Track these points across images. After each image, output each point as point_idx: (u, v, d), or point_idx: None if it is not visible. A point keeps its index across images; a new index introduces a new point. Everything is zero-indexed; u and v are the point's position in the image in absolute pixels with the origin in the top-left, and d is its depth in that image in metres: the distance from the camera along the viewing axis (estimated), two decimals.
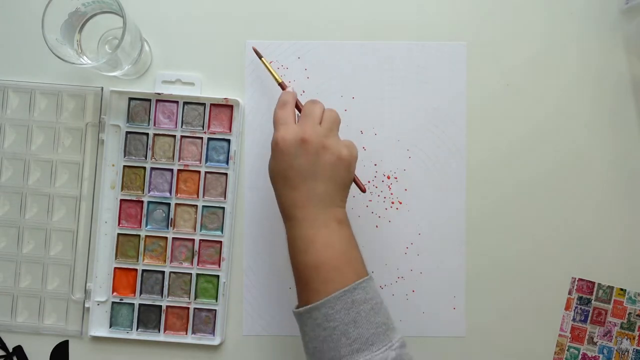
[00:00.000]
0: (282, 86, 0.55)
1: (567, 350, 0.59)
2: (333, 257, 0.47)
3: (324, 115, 0.51)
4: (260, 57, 0.57)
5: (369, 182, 0.60)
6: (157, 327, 0.59)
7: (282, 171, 0.49)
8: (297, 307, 0.48)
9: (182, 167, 0.59)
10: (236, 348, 0.59)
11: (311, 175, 0.48)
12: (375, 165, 0.60)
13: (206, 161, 0.59)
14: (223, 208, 0.59)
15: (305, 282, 0.47)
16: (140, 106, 0.59)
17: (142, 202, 0.59)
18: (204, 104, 0.60)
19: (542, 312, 0.59)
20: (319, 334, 0.46)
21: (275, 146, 0.49)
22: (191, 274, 0.59)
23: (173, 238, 0.59)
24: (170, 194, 0.59)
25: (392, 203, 0.59)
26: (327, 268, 0.46)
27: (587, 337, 0.59)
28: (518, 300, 0.59)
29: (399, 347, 0.45)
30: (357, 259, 0.49)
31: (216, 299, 0.59)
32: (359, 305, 0.45)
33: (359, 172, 0.59)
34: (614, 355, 0.59)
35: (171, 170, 0.59)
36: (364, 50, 0.60)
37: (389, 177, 0.60)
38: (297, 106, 0.54)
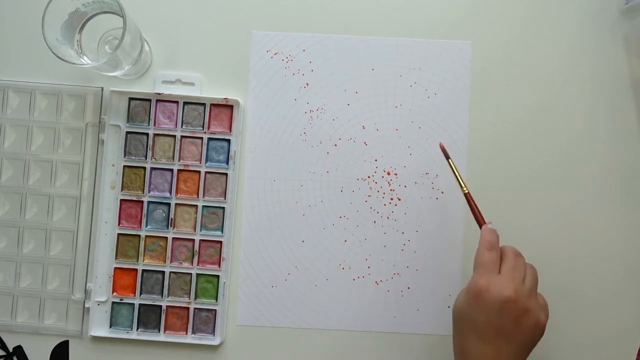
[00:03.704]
0: (468, 198, 0.52)
1: None
2: None
3: (527, 272, 0.49)
4: (447, 157, 0.54)
5: (369, 177, 0.60)
6: (157, 327, 0.59)
7: (476, 322, 0.47)
8: None
9: (182, 167, 0.59)
10: (236, 347, 0.59)
11: (506, 335, 0.46)
12: (376, 160, 0.60)
13: (206, 161, 0.59)
14: (223, 208, 0.59)
15: None
16: (140, 106, 0.60)
17: (142, 202, 0.59)
18: (204, 104, 0.60)
19: None
20: None
21: (477, 295, 0.47)
22: (191, 274, 0.59)
23: (173, 238, 0.59)
24: (170, 194, 0.59)
25: (392, 199, 0.59)
26: None
27: None
28: None
29: None
30: None
31: (216, 299, 0.59)
32: None
33: (360, 167, 0.60)
34: None
35: (171, 170, 0.59)
36: (369, 45, 0.60)
37: (389, 173, 0.60)
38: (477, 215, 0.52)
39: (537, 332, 0.48)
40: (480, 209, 0.52)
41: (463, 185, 0.53)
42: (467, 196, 0.53)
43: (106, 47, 0.58)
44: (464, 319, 0.48)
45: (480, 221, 0.52)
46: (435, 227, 0.59)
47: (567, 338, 0.59)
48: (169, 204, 0.59)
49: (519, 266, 0.49)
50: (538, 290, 0.50)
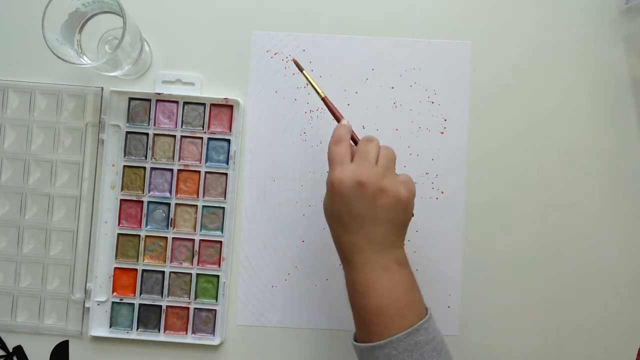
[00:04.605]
0: (326, 102, 0.53)
1: None
2: (395, 301, 0.46)
3: (380, 154, 0.48)
4: (301, 70, 0.54)
5: None
6: (157, 327, 0.59)
7: (338, 214, 0.47)
8: (357, 341, 0.48)
9: (182, 167, 0.59)
10: (236, 347, 0.59)
11: (369, 219, 0.46)
12: None
13: (206, 161, 0.59)
14: (223, 208, 0.59)
15: (366, 324, 0.47)
16: (140, 106, 0.60)
17: (142, 202, 0.59)
18: (204, 104, 0.60)
19: (539, 314, 0.59)
20: None
21: (331, 187, 0.47)
22: (191, 274, 0.59)
23: (173, 238, 0.59)
24: (170, 194, 0.59)
25: None
26: (389, 312, 0.46)
27: None
28: (514, 302, 0.59)
29: None
30: (418, 299, 0.48)
31: (216, 299, 0.59)
32: (422, 347, 0.45)
33: None
34: None
35: (171, 170, 0.59)
36: (369, 45, 0.60)
37: None
38: (352, 137, 0.51)
39: (400, 207, 0.47)
40: (339, 111, 0.53)
41: (320, 91, 0.53)
42: (325, 100, 0.53)
43: (106, 47, 0.58)
44: (330, 216, 0.49)
45: (339, 120, 0.52)
46: (435, 227, 0.59)
47: (568, 338, 0.59)
48: (169, 204, 0.59)
49: (370, 150, 0.48)
50: None
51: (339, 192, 0.47)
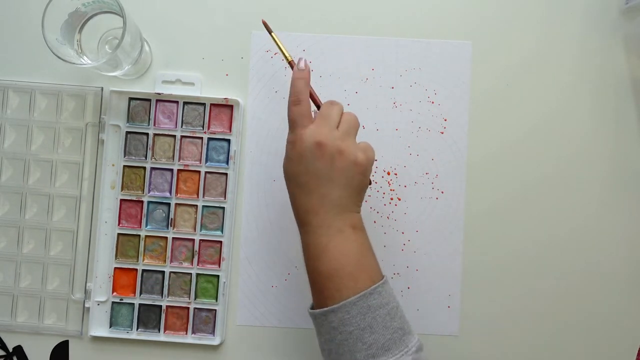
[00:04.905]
0: (292, 66, 0.52)
1: None
2: (347, 264, 0.46)
3: (342, 119, 0.49)
4: (270, 31, 0.54)
5: None
6: (157, 327, 0.59)
7: (296, 175, 0.48)
8: (312, 308, 0.48)
9: (182, 167, 0.59)
10: (236, 347, 0.59)
11: (326, 180, 0.47)
12: (376, 160, 0.59)
13: (206, 161, 0.59)
14: (223, 208, 0.59)
15: (320, 288, 0.47)
16: (140, 106, 0.60)
17: (142, 202, 0.59)
18: (204, 104, 0.60)
19: (539, 314, 0.59)
20: (335, 336, 0.46)
21: (291, 148, 0.48)
22: (191, 274, 0.59)
23: (173, 238, 0.59)
24: (170, 194, 0.59)
25: (391, 199, 0.59)
26: (341, 275, 0.46)
27: None
28: (514, 302, 0.59)
29: (415, 351, 0.45)
30: (372, 264, 0.48)
31: (216, 299, 0.59)
32: (375, 311, 0.45)
33: None
34: None
35: (171, 170, 0.59)
36: (370, 45, 0.60)
37: (389, 173, 0.60)
38: (312, 95, 0.52)
39: (357, 170, 0.48)
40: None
41: (287, 56, 0.53)
42: (292, 64, 0.52)
43: (106, 47, 0.58)
44: (288, 177, 0.49)
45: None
46: (435, 227, 0.59)
47: (568, 338, 0.59)
48: (169, 204, 0.59)
49: (332, 113, 0.49)
50: None
51: (298, 153, 0.47)
